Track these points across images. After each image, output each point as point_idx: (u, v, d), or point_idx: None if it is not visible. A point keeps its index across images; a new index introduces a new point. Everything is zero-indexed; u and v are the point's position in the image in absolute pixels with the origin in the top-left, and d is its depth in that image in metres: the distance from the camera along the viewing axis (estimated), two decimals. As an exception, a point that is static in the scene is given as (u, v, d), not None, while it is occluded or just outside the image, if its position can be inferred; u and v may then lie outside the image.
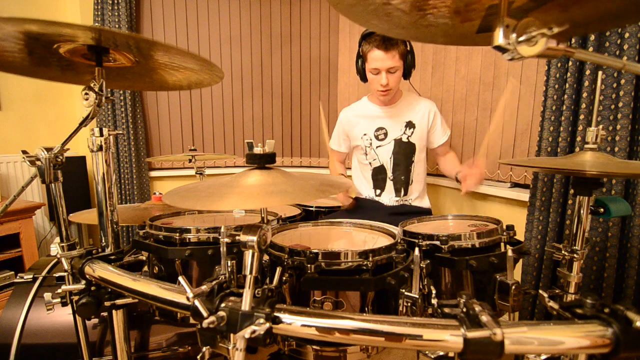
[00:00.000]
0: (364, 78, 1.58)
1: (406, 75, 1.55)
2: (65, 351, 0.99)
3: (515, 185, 1.78)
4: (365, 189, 1.72)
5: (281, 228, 0.98)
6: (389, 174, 1.64)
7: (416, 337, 0.49)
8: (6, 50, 0.71)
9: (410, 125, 1.61)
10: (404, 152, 1.62)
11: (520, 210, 1.68)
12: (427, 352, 0.66)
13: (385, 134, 1.63)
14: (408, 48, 1.49)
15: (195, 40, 2.68)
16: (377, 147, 1.64)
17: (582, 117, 1.30)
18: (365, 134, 1.65)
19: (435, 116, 1.65)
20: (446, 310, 0.53)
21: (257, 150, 0.69)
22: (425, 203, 1.70)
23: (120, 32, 0.67)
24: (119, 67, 0.85)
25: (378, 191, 1.67)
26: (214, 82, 0.96)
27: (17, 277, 1.08)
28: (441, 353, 0.65)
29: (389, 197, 1.65)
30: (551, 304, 0.58)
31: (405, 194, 1.64)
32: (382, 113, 1.64)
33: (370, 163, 1.67)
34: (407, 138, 1.61)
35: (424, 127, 1.63)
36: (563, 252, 0.85)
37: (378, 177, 1.67)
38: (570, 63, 1.34)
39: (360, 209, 1.64)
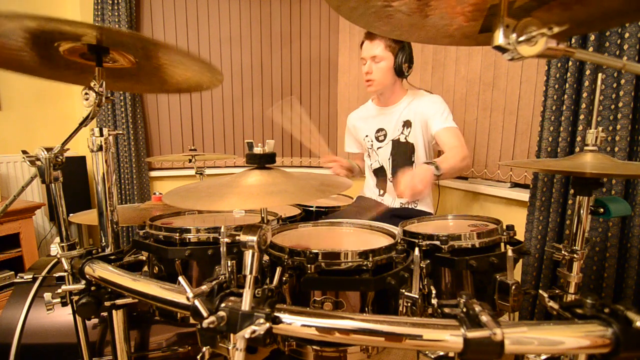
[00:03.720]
0: None
1: (398, 72, 1.48)
2: (65, 351, 0.99)
3: (515, 185, 1.78)
4: (370, 189, 1.72)
5: (281, 228, 0.98)
6: (389, 175, 1.63)
7: (416, 337, 0.49)
8: (6, 48, 0.71)
9: (407, 124, 1.57)
10: (402, 153, 1.59)
11: (520, 210, 1.68)
12: (427, 352, 0.66)
13: (385, 135, 1.62)
14: (401, 45, 1.46)
15: (195, 40, 2.68)
16: (377, 148, 1.63)
17: (582, 117, 1.31)
18: (367, 136, 1.65)
19: (435, 104, 1.51)
20: (446, 310, 0.53)
21: (257, 150, 0.69)
22: (428, 207, 1.67)
23: (120, 30, 0.67)
24: (119, 68, 0.85)
25: (381, 191, 1.67)
26: (213, 85, 0.95)
27: (17, 277, 1.07)
28: (441, 353, 0.65)
29: (391, 199, 1.65)
30: (551, 304, 0.58)
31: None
32: (382, 113, 1.63)
33: (371, 164, 1.68)
34: (405, 138, 1.58)
35: (422, 124, 1.53)
36: (563, 252, 0.85)
37: (379, 178, 1.67)
38: (570, 63, 1.34)
39: (361, 209, 1.63)
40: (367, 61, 1.50)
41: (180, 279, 0.58)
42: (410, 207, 1.63)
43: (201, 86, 0.97)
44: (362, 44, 1.52)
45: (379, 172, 1.66)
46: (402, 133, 1.59)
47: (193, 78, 0.91)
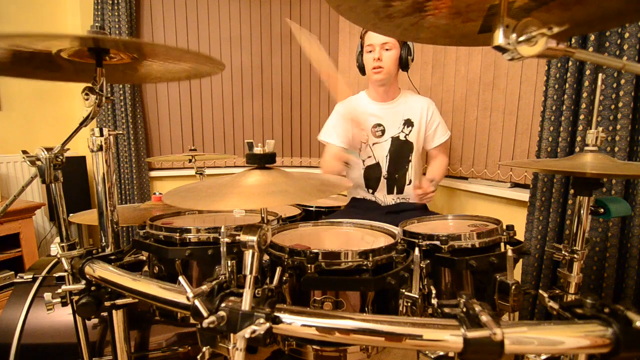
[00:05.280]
0: (362, 69, 1.60)
1: (403, 65, 1.54)
2: (65, 351, 0.99)
3: (515, 185, 1.78)
4: (361, 187, 1.68)
5: (281, 228, 0.98)
6: (384, 172, 1.61)
7: (416, 337, 0.49)
8: (5, 55, 0.71)
9: (408, 123, 1.59)
10: (401, 151, 1.60)
11: (520, 210, 1.68)
12: (427, 352, 0.66)
13: (383, 131, 1.60)
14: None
15: (195, 41, 2.68)
16: (373, 144, 1.61)
17: (582, 117, 1.31)
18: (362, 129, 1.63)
19: (434, 114, 1.62)
20: (446, 310, 0.53)
21: (257, 150, 0.69)
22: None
23: (118, 38, 0.68)
24: (119, 63, 0.85)
25: (370, 190, 1.65)
26: (214, 72, 0.96)
27: (17, 277, 1.08)
28: (441, 353, 0.65)
29: (383, 196, 1.64)
30: (551, 304, 0.58)
31: (400, 192, 1.63)
32: (380, 109, 1.61)
33: (363, 161, 1.63)
34: (405, 137, 1.59)
35: (422, 126, 1.61)
36: (563, 252, 0.85)
37: (371, 175, 1.63)
38: (570, 63, 1.34)
39: (357, 209, 1.63)
40: (376, 48, 1.50)
41: (180, 279, 0.58)
42: (403, 201, 1.64)
43: (201, 74, 0.97)
44: (366, 34, 1.53)
45: (373, 169, 1.62)
46: (402, 131, 1.59)
47: (193, 68, 0.92)
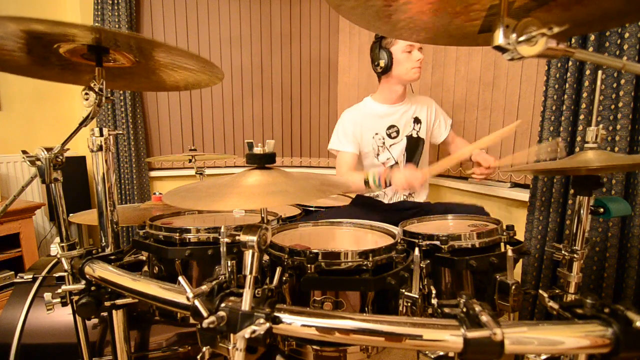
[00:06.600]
0: (386, 69, 1.54)
1: None
2: (65, 351, 0.99)
3: (515, 185, 1.78)
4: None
5: (281, 228, 0.98)
6: None
7: (416, 337, 0.49)
8: (5, 49, 0.71)
9: (417, 120, 1.66)
10: (414, 147, 1.66)
11: (520, 210, 1.68)
12: (427, 352, 0.66)
13: (398, 132, 1.63)
14: None
15: (195, 41, 2.68)
16: (390, 145, 1.63)
17: (582, 117, 1.30)
18: (376, 133, 1.62)
19: (436, 109, 1.72)
20: (446, 310, 0.53)
21: (257, 150, 0.69)
22: (423, 197, 1.70)
23: (124, 32, 0.67)
24: (118, 67, 0.85)
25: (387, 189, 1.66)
26: (212, 83, 0.95)
27: (17, 277, 1.07)
28: (441, 353, 0.65)
29: (392, 192, 1.65)
30: (551, 304, 0.58)
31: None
32: (391, 111, 1.64)
33: (383, 163, 1.64)
34: (417, 133, 1.66)
35: (429, 122, 1.69)
36: (563, 252, 0.85)
37: None
38: (570, 63, 1.34)
39: (358, 206, 1.63)
40: (415, 48, 1.53)
41: (180, 279, 0.58)
42: (406, 199, 1.65)
43: (199, 84, 0.97)
44: None
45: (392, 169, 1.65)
46: (413, 129, 1.66)
47: (192, 76, 0.91)
